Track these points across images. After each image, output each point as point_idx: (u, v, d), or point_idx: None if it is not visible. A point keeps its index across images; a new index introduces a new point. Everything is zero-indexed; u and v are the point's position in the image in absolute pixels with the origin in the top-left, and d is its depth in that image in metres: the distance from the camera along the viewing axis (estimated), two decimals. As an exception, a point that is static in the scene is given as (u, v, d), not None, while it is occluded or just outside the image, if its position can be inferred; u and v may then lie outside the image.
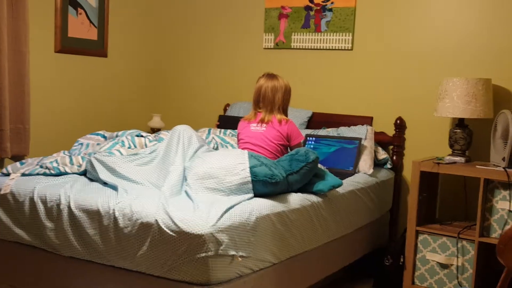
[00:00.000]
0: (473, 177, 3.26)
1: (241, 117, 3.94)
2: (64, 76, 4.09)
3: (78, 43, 4.12)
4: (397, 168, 3.74)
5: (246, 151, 2.70)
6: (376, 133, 3.74)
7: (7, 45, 3.49)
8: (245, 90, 4.39)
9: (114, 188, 2.53)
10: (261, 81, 3.09)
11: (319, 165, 3.03)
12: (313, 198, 2.79)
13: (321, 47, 4.04)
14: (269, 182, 2.51)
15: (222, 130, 3.60)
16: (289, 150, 3.07)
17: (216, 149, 3.22)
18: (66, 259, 2.48)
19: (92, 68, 4.28)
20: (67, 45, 4.04)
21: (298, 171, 2.68)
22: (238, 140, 3.12)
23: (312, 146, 3.54)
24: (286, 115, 3.12)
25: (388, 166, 3.68)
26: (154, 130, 4.47)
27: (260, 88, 3.07)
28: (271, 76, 3.11)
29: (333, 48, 3.99)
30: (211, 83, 4.57)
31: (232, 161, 2.57)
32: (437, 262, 3.18)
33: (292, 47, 4.15)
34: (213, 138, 3.40)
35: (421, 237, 3.25)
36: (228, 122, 3.89)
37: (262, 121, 3.02)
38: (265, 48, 4.29)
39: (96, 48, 4.27)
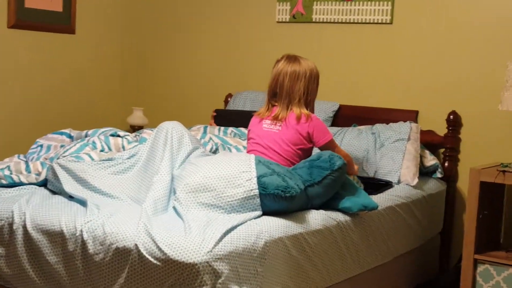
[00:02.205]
0: (550, 190, 3.25)
1: (246, 111, 3.96)
2: (19, 58, 4.11)
3: (37, 16, 4.15)
4: (450, 177, 3.73)
5: (252, 155, 2.71)
6: (422, 132, 3.74)
7: None
8: (252, 76, 4.40)
9: (82, 203, 2.54)
10: (279, 66, 3.06)
11: (353, 176, 3.02)
12: (340, 216, 2.78)
13: (351, 20, 4.04)
14: (282, 196, 2.51)
15: (222, 128, 3.61)
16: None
17: (215, 152, 3.22)
18: (20, 294, 2.50)
19: (56, 48, 4.31)
20: (24, 19, 4.07)
21: (320, 181, 2.68)
22: (248, 140, 3.13)
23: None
24: (312, 110, 3.08)
25: (438, 175, 3.67)
26: (134, 128, 4.50)
27: (277, 75, 3.03)
28: (291, 58, 3.07)
29: (367, 21, 3.99)
30: (208, 67, 4.59)
31: (235, 169, 2.58)
32: (502, 300, 3.18)
33: (314, 20, 4.15)
34: (210, 138, 3.40)
35: (481, 268, 3.24)
36: (228, 117, 3.87)
37: (276, 118, 3.00)
38: (278, 22, 4.30)
39: (60, 22, 4.30)
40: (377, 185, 3.28)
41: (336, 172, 2.69)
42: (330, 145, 2.98)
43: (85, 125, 4.27)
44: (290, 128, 2.96)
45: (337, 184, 2.75)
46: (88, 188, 2.65)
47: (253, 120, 3.11)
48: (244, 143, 3.43)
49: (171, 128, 2.86)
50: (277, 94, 3.03)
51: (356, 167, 3.13)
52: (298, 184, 2.60)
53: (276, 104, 3.03)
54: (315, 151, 3.05)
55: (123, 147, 3.07)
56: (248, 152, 3.07)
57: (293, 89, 2.99)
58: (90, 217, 2.38)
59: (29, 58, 4.15)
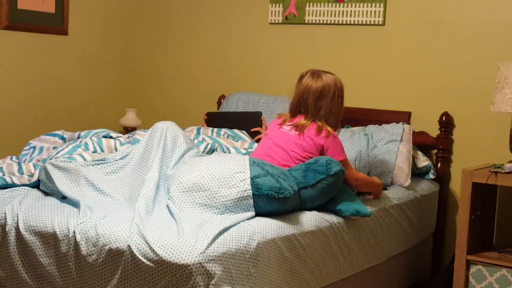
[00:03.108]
0: (541, 191, 3.26)
1: (237, 113, 3.97)
2: (12, 59, 4.11)
3: (30, 17, 4.14)
4: (442, 178, 3.75)
5: (246, 157, 2.72)
6: (415, 134, 3.75)
7: None
8: (245, 78, 4.40)
9: (75, 204, 2.54)
10: (303, 82, 3.02)
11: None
12: (333, 218, 2.79)
13: (344, 22, 4.05)
14: (276, 198, 2.52)
15: (215, 129, 3.61)
16: None
17: (212, 151, 3.22)
18: (13, 296, 2.50)
19: (49, 50, 4.30)
20: (16, 20, 4.06)
21: (314, 185, 2.68)
22: (263, 137, 3.16)
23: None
24: (335, 126, 3.02)
25: (431, 176, 3.68)
26: (127, 130, 4.49)
27: (301, 92, 2.99)
28: (315, 75, 3.02)
29: (359, 23, 4.00)
30: (201, 69, 4.59)
31: (229, 169, 2.59)
32: (495, 301, 3.19)
33: (306, 21, 4.16)
34: (203, 139, 3.40)
35: (473, 269, 3.25)
36: (220, 120, 3.85)
37: (297, 126, 2.96)
38: (271, 23, 4.30)
39: (53, 23, 4.29)
40: None
41: (331, 178, 2.70)
42: (342, 165, 2.87)
43: (78, 126, 4.26)
44: (306, 136, 2.93)
45: (332, 189, 2.76)
46: (81, 186, 2.65)
47: (274, 121, 3.11)
48: (237, 144, 3.43)
49: (166, 128, 2.87)
50: (301, 110, 3.00)
51: (379, 191, 3.15)
52: (291, 186, 2.61)
53: (299, 115, 3.01)
54: None
55: (116, 149, 3.07)
56: (258, 146, 3.10)
57: (317, 107, 2.97)
58: (82, 219, 2.38)
59: (22, 59, 4.14)
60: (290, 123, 3.00)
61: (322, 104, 2.97)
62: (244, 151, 3.31)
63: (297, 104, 3.02)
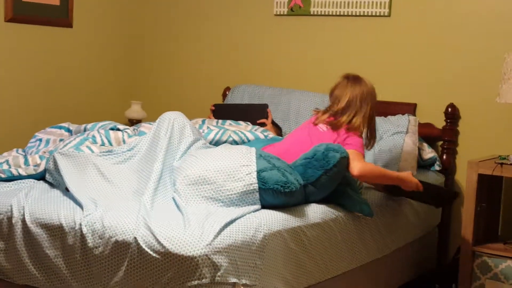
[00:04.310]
0: (547, 182, 3.26)
1: (245, 104, 3.98)
2: (17, 51, 4.11)
3: (35, 10, 4.14)
4: (448, 170, 3.74)
5: (253, 149, 2.71)
6: (420, 125, 3.74)
7: None
8: (250, 70, 4.39)
9: (75, 199, 2.53)
10: (355, 84, 3.01)
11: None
12: (338, 210, 2.79)
13: (349, 13, 4.03)
14: (282, 192, 2.52)
15: (220, 121, 3.61)
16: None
17: (223, 135, 3.21)
18: (20, 288, 2.51)
19: (54, 42, 4.30)
20: (21, 12, 4.06)
21: (314, 182, 2.68)
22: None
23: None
24: (370, 132, 3.03)
25: (437, 167, 3.68)
26: (132, 122, 4.49)
27: (351, 97, 2.98)
28: (356, 79, 3.03)
29: (365, 14, 3.99)
30: (205, 61, 4.58)
31: (235, 162, 2.59)
32: (500, 292, 3.19)
33: (312, 13, 4.15)
34: (208, 128, 3.40)
35: (479, 260, 3.25)
36: (227, 111, 3.87)
37: (332, 123, 2.96)
38: (276, 15, 4.29)
39: (58, 16, 4.29)
40: (437, 195, 3.20)
41: (330, 171, 2.68)
42: (352, 155, 2.81)
43: (83, 119, 4.27)
44: (335, 133, 2.93)
45: (335, 180, 2.74)
46: (89, 173, 2.65)
47: (309, 119, 3.11)
48: (242, 127, 3.44)
49: (173, 119, 2.87)
50: (344, 112, 2.98)
51: (408, 180, 2.98)
52: (297, 180, 2.60)
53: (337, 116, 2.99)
54: None
55: (124, 141, 3.07)
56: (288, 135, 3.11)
57: (361, 109, 2.96)
58: (89, 211, 2.39)
59: (27, 52, 4.15)
60: (326, 122, 2.98)
61: (367, 108, 2.97)
62: (262, 135, 3.31)
63: (346, 107, 2.97)
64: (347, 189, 2.84)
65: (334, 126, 2.95)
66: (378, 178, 2.95)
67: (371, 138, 3.06)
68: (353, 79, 3.04)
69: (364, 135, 3.02)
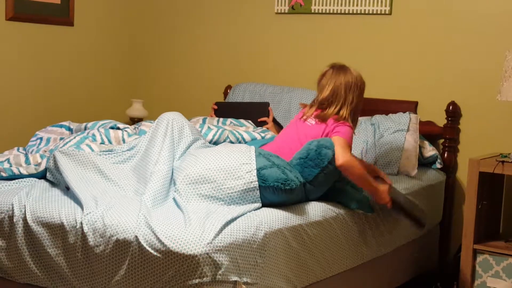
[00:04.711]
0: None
1: (247, 103, 3.98)
2: (18, 50, 4.11)
3: (36, 8, 4.14)
4: (449, 168, 3.74)
5: (252, 147, 2.72)
6: (421, 123, 3.74)
7: None
8: (251, 68, 4.39)
9: (76, 197, 2.53)
10: (337, 74, 3.01)
11: None
12: (339, 208, 2.80)
13: (350, 11, 4.03)
14: (282, 189, 2.52)
15: (221, 119, 3.61)
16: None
17: (221, 136, 3.22)
18: (21, 286, 2.50)
19: (54, 41, 4.30)
20: (22, 11, 4.06)
21: (312, 181, 2.69)
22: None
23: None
24: (353, 120, 3.01)
25: (438, 165, 3.68)
26: (134, 120, 4.50)
27: (339, 83, 2.98)
28: (343, 67, 3.04)
29: (366, 12, 3.98)
30: (207, 59, 4.58)
31: (235, 161, 2.59)
32: (502, 290, 3.19)
33: (313, 11, 4.14)
34: (209, 127, 3.41)
35: (480, 258, 3.25)
36: (229, 109, 3.88)
37: (319, 116, 2.96)
38: (277, 13, 4.29)
39: (59, 14, 4.29)
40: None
41: (326, 168, 2.68)
42: (334, 141, 2.81)
43: (84, 117, 4.28)
44: (323, 124, 2.93)
45: (332, 176, 2.75)
46: (89, 172, 2.65)
47: (297, 115, 3.11)
48: (241, 128, 3.44)
49: (172, 119, 2.87)
50: (330, 102, 2.98)
51: (380, 185, 2.91)
52: (297, 177, 2.61)
53: (323, 107, 2.99)
54: None
55: (124, 140, 3.07)
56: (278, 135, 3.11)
57: (347, 99, 2.96)
58: (89, 209, 2.39)
59: (28, 50, 4.15)
60: (312, 116, 2.98)
61: (352, 97, 2.97)
62: (259, 136, 3.31)
63: (330, 96, 2.98)
64: (347, 187, 2.85)
65: (322, 118, 2.95)
66: (357, 177, 2.83)
67: (353, 121, 3.03)
68: (338, 68, 3.04)
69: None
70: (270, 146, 3.04)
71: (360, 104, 3.04)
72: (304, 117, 3.02)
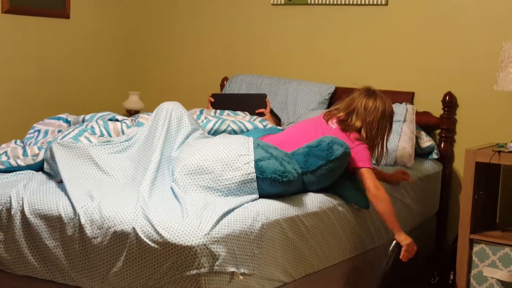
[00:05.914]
0: (545, 170, 3.26)
1: (243, 94, 3.97)
2: (14, 43, 4.10)
3: (31, 1, 4.13)
4: (445, 158, 3.75)
5: (251, 138, 2.71)
6: (418, 114, 3.74)
7: None
8: (248, 59, 4.39)
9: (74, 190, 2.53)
10: (363, 100, 2.99)
11: None
12: (336, 199, 2.80)
13: (347, 2, 4.02)
14: (279, 181, 2.52)
15: (218, 111, 3.61)
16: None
17: (221, 125, 3.21)
18: (20, 278, 2.51)
19: (51, 33, 4.29)
20: (18, 3, 4.05)
21: (314, 171, 2.68)
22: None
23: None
24: (380, 148, 2.99)
25: (434, 156, 3.68)
26: (130, 113, 4.49)
27: (360, 108, 2.96)
28: (370, 92, 3.01)
29: (362, 3, 3.98)
30: (203, 51, 4.58)
31: (233, 152, 2.59)
32: (498, 279, 3.19)
33: (309, 2, 4.14)
34: (206, 118, 3.41)
35: (476, 248, 3.26)
36: (225, 101, 3.87)
37: (342, 121, 2.94)
38: (273, 4, 4.28)
39: (55, 7, 4.28)
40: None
41: (332, 163, 2.68)
42: (363, 173, 2.81)
43: (81, 110, 4.27)
44: (344, 134, 2.90)
45: (334, 173, 2.75)
46: (84, 164, 2.65)
47: (320, 115, 3.09)
48: (240, 117, 3.44)
49: (171, 109, 2.87)
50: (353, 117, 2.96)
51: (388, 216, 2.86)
52: (295, 169, 2.60)
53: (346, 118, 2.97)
54: None
55: (123, 132, 3.06)
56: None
57: (372, 125, 2.95)
58: (83, 203, 2.38)
59: (24, 43, 4.14)
60: (340, 118, 2.97)
61: (378, 124, 2.96)
62: (261, 125, 3.30)
63: (350, 112, 2.96)
64: (346, 180, 2.85)
65: (346, 127, 2.93)
66: (385, 211, 2.84)
67: (381, 153, 3.02)
68: (371, 92, 3.01)
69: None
70: (278, 135, 3.03)
71: (385, 135, 3.01)
72: (326, 118, 3.01)
